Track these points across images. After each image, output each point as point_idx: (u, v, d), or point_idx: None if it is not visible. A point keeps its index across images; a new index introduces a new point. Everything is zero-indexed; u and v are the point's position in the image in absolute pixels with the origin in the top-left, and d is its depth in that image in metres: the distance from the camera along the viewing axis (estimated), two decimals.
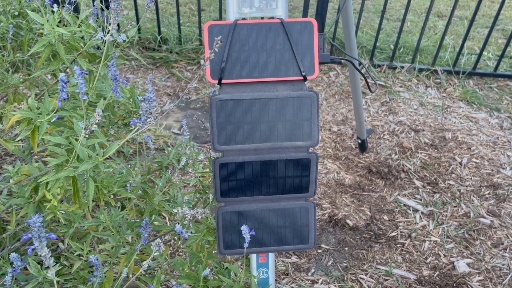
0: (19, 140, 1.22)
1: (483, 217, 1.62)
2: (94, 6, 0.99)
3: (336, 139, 1.99)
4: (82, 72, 0.61)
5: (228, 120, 0.68)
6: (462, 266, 1.42)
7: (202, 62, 0.63)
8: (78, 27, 0.72)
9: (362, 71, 1.33)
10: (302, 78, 0.69)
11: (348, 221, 1.58)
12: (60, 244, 1.10)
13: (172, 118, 2.05)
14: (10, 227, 0.79)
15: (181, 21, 2.77)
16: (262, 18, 0.71)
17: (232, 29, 0.66)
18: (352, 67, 1.51)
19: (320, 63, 0.70)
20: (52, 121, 0.70)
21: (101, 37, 0.69)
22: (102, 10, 1.26)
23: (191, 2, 3.22)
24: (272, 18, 0.69)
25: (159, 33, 2.46)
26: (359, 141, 1.83)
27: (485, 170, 1.84)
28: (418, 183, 1.76)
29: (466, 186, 1.75)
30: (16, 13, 1.51)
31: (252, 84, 0.69)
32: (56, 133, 0.73)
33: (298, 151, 0.70)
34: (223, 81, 0.69)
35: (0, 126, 1.14)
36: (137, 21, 2.47)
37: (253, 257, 0.84)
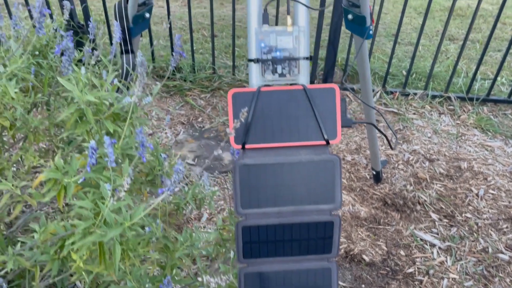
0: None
1: (502, 252, 1.59)
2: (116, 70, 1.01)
3: (350, 169, 1.99)
4: (112, 142, 0.62)
5: (251, 184, 0.69)
6: None
7: (227, 131, 0.64)
8: (104, 89, 0.74)
9: (375, 119, 1.33)
10: (324, 142, 0.70)
11: (364, 256, 1.56)
12: None
13: (186, 148, 2.07)
14: (34, 283, 0.80)
15: (194, 48, 2.81)
16: (286, 84, 0.72)
17: (255, 96, 0.68)
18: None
19: (342, 127, 0.71)
20: (79, 182, 0.72)
21: (128, 101, 0.71)
22: (122, 53, 1.29)
23: (203, 28, 3.27)
24: (294, 84, 0.70)
25: None
26: (374, 173, 1.83)
27: (502, 202, 1.81)
28: (434, 216, 1.75)
29: (484, 219, 1.73)
30: (37, 52, 1.55)
31: (275, 148, 0.70)
32: (82, 194, 0.74)
33: (321, 213, 0.71)
34: (246, 146, 0.70)
35: (21, 170, 1.16)
36: (152, 50, 2.51)
37: None
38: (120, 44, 1.25)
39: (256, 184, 0.69)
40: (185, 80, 2.49)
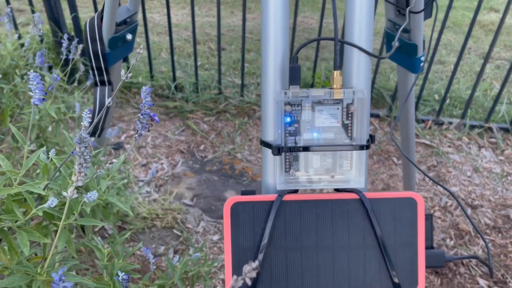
0: None
1: None
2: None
3: None
4: None
5: None
6: None
7: None
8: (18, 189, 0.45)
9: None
10: None
11: None
12: None
13: (184, 184, 1.77)
14: None
15: (199, 63, 2.53)
16: (327, 190, 0.41)
17: (274, 210, 0.37)
18: (406, 124, 1.18)
19: (428, 267, 0.39)
20: None
21: (50, 204, 0.41)
22: (96, 85, 1.00)
23: (210, 40, 2.98)
24: (343, 190, 0.40)
25: (174, 79, 2.21)
26: None
27: None
28: (482, 282, 1.42)
29: None
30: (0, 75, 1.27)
31: None
32: None
33: None
34: None
35: None
36: (150, 65, 2.23)
37: None
38: (93, 73, 0.95)
39: None
40: (186, 101, 2.20)
